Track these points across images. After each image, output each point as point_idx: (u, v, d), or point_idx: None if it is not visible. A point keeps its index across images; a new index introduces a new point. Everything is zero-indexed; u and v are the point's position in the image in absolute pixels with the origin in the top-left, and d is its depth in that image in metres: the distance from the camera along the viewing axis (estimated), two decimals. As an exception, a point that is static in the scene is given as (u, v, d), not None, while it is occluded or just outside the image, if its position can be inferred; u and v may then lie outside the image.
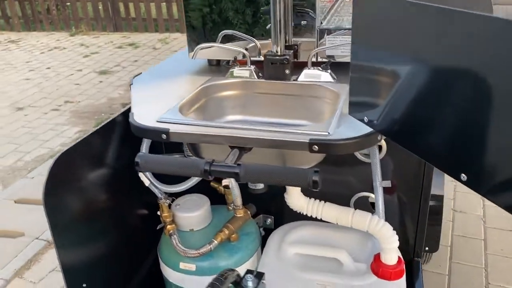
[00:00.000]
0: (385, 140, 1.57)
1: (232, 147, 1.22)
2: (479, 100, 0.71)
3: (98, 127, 1.43)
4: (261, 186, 1.64)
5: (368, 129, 1.12)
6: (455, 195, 3.53)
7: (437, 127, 0.82)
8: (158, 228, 1.70)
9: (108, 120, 1.48)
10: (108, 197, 1.51)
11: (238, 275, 1.10)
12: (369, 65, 0.99)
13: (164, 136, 1.24)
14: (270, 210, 1.83)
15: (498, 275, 2.70)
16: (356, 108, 1.12)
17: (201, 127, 1.24)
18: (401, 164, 1.62)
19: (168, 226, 1.57)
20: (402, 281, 1.45)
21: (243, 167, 1.11)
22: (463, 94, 0.74)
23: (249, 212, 1.64)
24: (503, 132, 0.68)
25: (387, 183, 1.56)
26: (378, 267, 1.44)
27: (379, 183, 1.55)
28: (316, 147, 1.14)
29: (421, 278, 1.61)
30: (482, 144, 0.73)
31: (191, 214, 1.60)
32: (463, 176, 0.82)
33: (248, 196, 1.72)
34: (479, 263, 2.80)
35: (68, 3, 8.36)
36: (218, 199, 1.74)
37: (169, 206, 1.62)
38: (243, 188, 1.68)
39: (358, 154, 1.63)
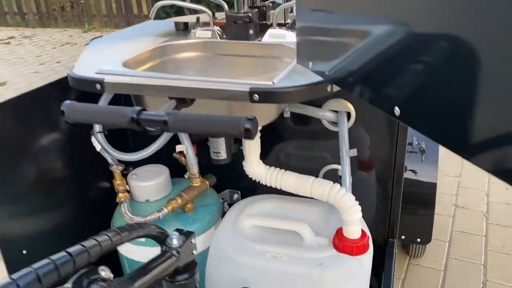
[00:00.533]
0: (354, 108, 1.45)
1: (170, 99, 1.13)
2: (410, 36, 0.68)
3: (47, 83, 1.35)
4: (223, 155, 1.54)
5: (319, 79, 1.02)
6: (458, 190, 3.38)
7: (374, 66, 0.79)
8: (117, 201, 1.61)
9: (59, 78, 1.39)
10: (61, 165, 1.44)
11: (164, 232, 0.99)
12: (315, 11, 0.90)
13: (98, 86, 1.15)
14: (237, 185, 1.73)
15: (497, 272, 2.54)
16: (302, 55, 1.02)
17: (139, 78, 1.15)
18: (372, 137, 1.49)
19: (120, 195, 1.48)
20: (366, 257, 1.32)
21: (172, 115, 1.01)
22: (395, 33, 0.71)
23: (207, 183, 1.53)
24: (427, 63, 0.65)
25: (354, 152, 1.44)
26: (339, 241, 1.32)
27: (346, 152, 1.43)
28: (256, 96, 1.04)
29: (393, 260, 1.48)
30: (412, 76, 0.69)
31: (145, 183, 1.51)
32: (397, 110, 0.73)
33: (214, 170, 1.62)
34: (478, 260, 2.65)
35: (82, 1, 8.44)
36: (181, 172, 1.64)
37: (125, 176, 1.53)
38: (206, 157, 1.59)
39: (325, 122, 1.51)
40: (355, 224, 1.31)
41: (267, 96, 1.03)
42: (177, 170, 1.61)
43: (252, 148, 1.38)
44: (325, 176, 1.60)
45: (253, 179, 1.43)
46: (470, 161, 0.60)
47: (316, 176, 1.54)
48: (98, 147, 1.48)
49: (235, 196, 1.73)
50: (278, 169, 1.40)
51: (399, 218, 1.57)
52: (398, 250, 2.58)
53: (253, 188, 1.68)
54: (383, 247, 1.58)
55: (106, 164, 1.51)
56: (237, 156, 1.60)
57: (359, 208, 1.31)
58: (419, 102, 0.68)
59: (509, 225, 2.95)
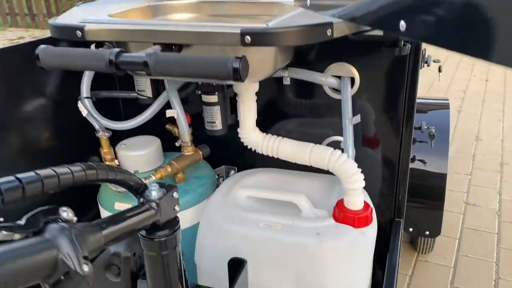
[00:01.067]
0: (359, 72, 1.35)
1: (155, 45, 1.03)
2: None
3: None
4: (218, 125, 1.44)
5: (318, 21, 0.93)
6: (468, 188, 3.25)
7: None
8: None
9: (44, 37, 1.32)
10: (47, 132, 1.35)
11: (143, 184, 0.90)
12: None
13: (79, 33, 1.07)
14: (235, 161, 1.62)
15: (511, 269, 2.41)
16: (300, -5, 0.92)
17: (122, 25, 1.06)
18: (377, 107, 1.39)
19: (107, 163, 1.38)
20: (369, 230, 1.21)
21: (153, 55, 0.91)
22: None
23: (200, 153, 1.43)
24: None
25: (357, 119, 1.33)
26: (340, 212, 1.21)
27: (349, 120, 1.32)
28: (248, 38, 0.94)
29: (399, 241, 1.36)
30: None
31: (134, 153, 1.41)
32: (402, 25, 0.64)
33: (209, 144, 1.52)
34: (490, 257, 2.52)
35: (91, 2, 8.44)
36: (176, 146, 1.55)
37: (114, 145, 1.44)
38: (201, 130, 1.49)
39: (327, 90, 1.41)
40: (357, 194, 1.20)
41: (260, 37, 0.93)
42: (172, 144, 1.51)
43: (247, 111, 1.28)
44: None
45: (252, 149, 1.33)
46: (485, 59, 0.50)
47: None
48: (84, 112, 1.39)
49: (232, 172, 1.62)
50: (275, 136, 1.30)
51: (406, 196, 1.46)
52: (406, 246, 2.46)
53: (251, 165, 1.58)
54: (389, 228, 1.47)
55: (94, 132, 1.42)
56: (234, 129, 1.50)
57: (362, 176, 1.20)
58: (424, 9, 0.59)
59: (522, 222, 2.82)
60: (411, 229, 2.23)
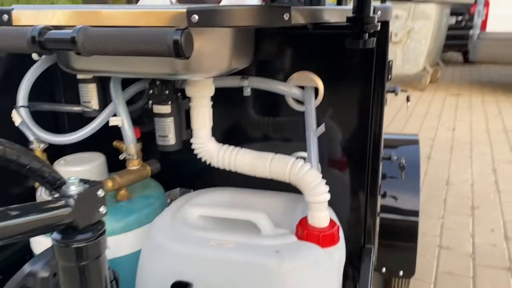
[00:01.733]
0: (323, 82, 1.25)
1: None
2: None
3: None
4: (171, 140, 1.30)
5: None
6: (441, 232, 3.17)
7: None
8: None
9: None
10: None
11: (61, 178, 0.74)
12: None
13: (5, 17, 0.94)
14: (191, 182, 1.46)
15: (487, 314, 2.28)
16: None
17: (53, 9, 0.94)
18: (342, 124, 1.28)
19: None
20: (337, 251, 1.06)
21: (82, 30, 0.79)
22: None
23: (148, 168, 1.28)
24: None
25: (321, 128, 1.22)
26: (303, 230, 1.06)
27: (313, 132, 1.21)
28: (195, 17, 0.83)
29: (370, 269, 1.21)
30: None
31: (73, 169, 1.25)
32: None
33: (162, 165, 1.37)
34: (466, 302, 2.39)
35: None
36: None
37: (50, 159, 1.27)
38: (152, 147, 1.35)
39: (290, 101, 1.30)
40: (321, 208, 1.06)
41: (209, 16, 0.82)
42: (121, 163, 1.36)
43: (201, 117, 1.15)
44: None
45: (211, 169, 1.18)
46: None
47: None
48: (17, 121, 1.23)
49: (186, 195, 1.46)
50: (233, 146, 1.17)
51: (376, 220, 1.33)
52: (379, 288, 2.31)
53: (210, 186, 1.42)
54: (359, 256, 1.32)
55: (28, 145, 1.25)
56: (190, 146, 1.36)
57: (326, 188, 1.07)
58: None
59: (498, 266, 2.72)
60: (384, 270, 2.09)
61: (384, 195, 2.10)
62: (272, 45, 1.27)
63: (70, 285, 0.73)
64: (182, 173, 1.46)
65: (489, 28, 6.44)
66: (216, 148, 1.17)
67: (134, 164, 1.24)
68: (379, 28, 0.95)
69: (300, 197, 1.26)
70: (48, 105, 1.40)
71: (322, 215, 1.06)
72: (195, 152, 1.19)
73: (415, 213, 2.12)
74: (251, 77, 1.27)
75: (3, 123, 1.27)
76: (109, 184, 1.16)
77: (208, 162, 1.19)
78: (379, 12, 1.04)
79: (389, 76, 1.28)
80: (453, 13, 8.22)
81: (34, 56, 1.33)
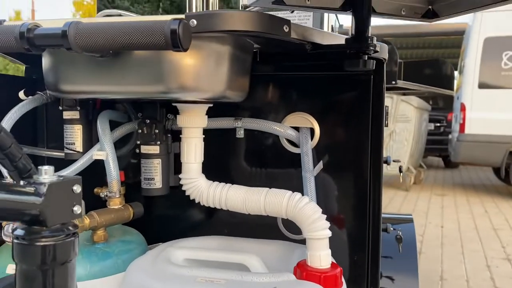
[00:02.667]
0: (319, 123, 1.22)
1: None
2: None
3: None
4: (158, 183, 1.22)
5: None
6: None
7: None
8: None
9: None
10: None
11: (32, 167, 0.64)
12: None
13: (-2, 26, 0.91)
14: (176, 235, 1.33)
15: None
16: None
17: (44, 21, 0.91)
18: (339, 167, 1.22)
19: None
20: (340, 296, 0.93)
21: (73, 24, 0.75)
22: None
23: (131, 209, 1.16)
24: None
25: (319, 166, 1.15)
26: (302, 272, 0.94)
27: (310, 173, 1.14)
28: (194, 22, 0.80)
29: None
30: None
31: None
32: None
33: (147, 216, 1.26)
34: None
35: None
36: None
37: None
38: (136, 188, 1.26)
39: (285, 143, 1.24)
40: (322, 246, 0.95)
41: (207, 20, 0.80)
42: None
43: (192, 149, 1.08)
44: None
45: (202, 221, 1.08)
46: None
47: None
48: (-7, 155, 1.14)
49: (169, 251, 1.32)
50: (223, 183, 1.09)
51: (379, 275, 1.20)
52: None
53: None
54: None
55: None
56: (177, 194, 1.27)
57: (327, 223, 0.97)
58: None
59: None
60: None
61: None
62: (266, 86, 1.25)
63: (28, 295, 0.60)
64: (167, 224, 1.34)
65: (467, 130, 6.70)
66: (206, 185, 1.08)
67: (116, 203, 1.13)
68: (378, 49, 0.94)
69: (296, 245, 1.15)
70: (29, 149, 1.33)
71: (323, 254, 0.95)
72: (183, 188, 1.10)
73: (414, 295, 1.97)
74: (244, 118, 1.22)
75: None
76: (86, 221, 1.04)
77: (197, 200, 1.09)
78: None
79: (386, 122, 1.25)
80: (431, 119, 8.62)
81: (21, 95, 1.29)
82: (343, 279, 0.98)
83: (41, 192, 0.60)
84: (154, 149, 1.22)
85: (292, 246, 1.12)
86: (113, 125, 1.27)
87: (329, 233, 0.97)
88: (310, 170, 1.14)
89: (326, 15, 1.67)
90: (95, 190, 1.29)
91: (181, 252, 1.04)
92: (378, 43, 1.06)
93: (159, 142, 1.22)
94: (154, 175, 1.22)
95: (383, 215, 2.35)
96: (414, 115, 6.71)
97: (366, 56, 0.93)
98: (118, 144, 1.29)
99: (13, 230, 0.61)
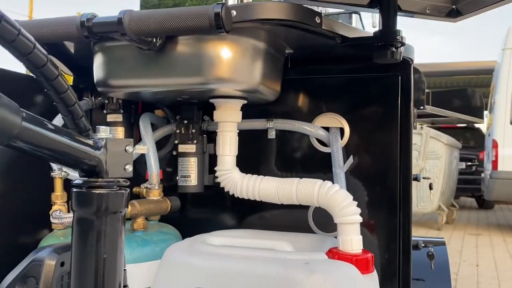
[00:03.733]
0: (349, 124, 1.27)
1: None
2: None
3: None
4: (193, 181, 1.28)
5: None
6: None
7: None
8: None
9: None
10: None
11: (89, 126, 0.71)
12: None
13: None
14: (208, 231, 1.38)
15: None
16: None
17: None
18: (368, 164, 1.25)
19: (54, 207, 1.16)
20: (372, 279, 0.95)
21: (127, 12, 0.85)
22: None
23: (169, 202, 1.22)
24: None
25: (349, 161, 1.18)
26: (333, 255, 0.96)
27: (340, 168, 1.18)
28: (233, 12, 0.89)
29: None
30: None
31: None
32: None
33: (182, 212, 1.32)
34: None
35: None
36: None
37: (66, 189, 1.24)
38: (172, 189, 1.32)
39: (315, 142, 1.29)
40: (353, 231, 0.98)
41: (245, 11, 0.88)
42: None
43: (227, 143, 1.15)
44: (318, 209, 1.28)
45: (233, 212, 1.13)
46: None
47: (307, 209, 1.25)
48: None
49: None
50: (255, 175, 1.14)
51: (411, 276, 1.20)
52: None
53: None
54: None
55: (48, 172, 1.23)
56: (211, 194, 1.33)
57: (358, 210, 1.00)
58: None
59: None
60: None
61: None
62: (297, 89, 1.32)
63: (84, 237, 0.66)
64: (199, 224, 1.39)
65: (500, 167, 6.56)
66: (240, 176, 1.13)
67: (155, 195, 1.20)
68: (405, 41, 1.00)
69: (327, 237, 1.17)
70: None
71: (354, 239, 0.98)
72: (218, 180, 1.16)
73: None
74: (276, 119, 1.29)
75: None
76: (128, 209, 1.10)
77: (231, 192, 1.15)
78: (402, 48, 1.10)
79: (414, 125, 1.29)
80: (463, 158, 8.47)
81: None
82: (372, 261, 0.99)
83: (99, 145, 0.67)
84: (191, 147, 1.29)
85: (323, 238, 1.15)
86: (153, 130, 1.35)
87: (360, 219, 1.00)
88: (340, 166, 1.18)
89: (353, 20, 1.75)
90: (134, 189, 1.35)
91: (216, 239, 1.08)
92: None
93: (195, 141, 1.29)
94: (190, 173, 1.29)
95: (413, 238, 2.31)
96: (444, 152, 6.63)
97: (394, 47, 0.99)
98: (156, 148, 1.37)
99: (73, 181, 0.67)
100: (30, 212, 1.28)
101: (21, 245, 1.24)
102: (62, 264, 0.80)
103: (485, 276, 4.68)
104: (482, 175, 7.91)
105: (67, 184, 1.27)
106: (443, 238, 2.39)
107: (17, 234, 1.25)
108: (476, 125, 8.47)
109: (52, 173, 1.22)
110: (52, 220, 1.12)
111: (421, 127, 6.59)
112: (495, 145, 6.73)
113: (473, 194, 9.32)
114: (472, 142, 9.38)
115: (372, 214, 1.23)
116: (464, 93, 3.20)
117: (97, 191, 0.66)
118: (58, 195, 1.20)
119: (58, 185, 1.22)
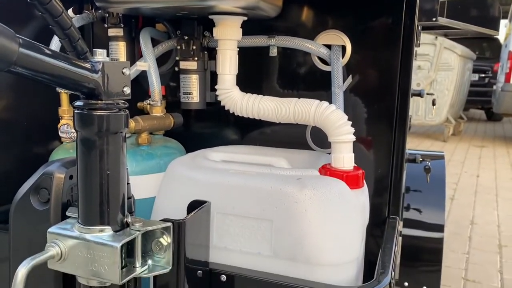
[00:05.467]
0: (351, 41, 1.25)
1: None
2: None
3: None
4: (195, 97, 1.31)
5: None
6: (467, 265, 3.02)
7: None
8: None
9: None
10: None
11: (87, 49, 0.73)
12: None
13: None
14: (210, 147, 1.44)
15: None
16: None
17: None
18: (368, 84, 1.26)
19: (62, 121, 1.21)
20: (362, 197, 1.01)
21: None
22: None
23: (171, 118, 1.27)
24: None
25: (348, 80, 1.20)
26: (325, 171, 1.02)
27: (339, 88, 1.20)
28: None
29: (395, 238, 1.14)
30: None
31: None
32: None
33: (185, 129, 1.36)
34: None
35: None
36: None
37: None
38: (175, 105, 1.35)
39: (316, 60, 1.29)
40: (346, 149, 1.03)
41: None
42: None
43: (227, 61, 1.16)
44: (315, 135, 1.33)
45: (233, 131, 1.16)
46: None
47: (306, 126, 1.29)
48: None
49: (205, 162, 1.43)
50: (256, 94, 1.16)
51: (402, 189, 1.27)
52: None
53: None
54: (382, 225, 1.26)
55: (53, 88, 1.26)
56: (213, 110, 1.36)
57: (352, 129, 1.04)
58: None
59: (531, 301, 2.55)
60: (406, 284, 1.98)
61: (407, 207, 2.03)
62: (299, 5, 1.29)
63: (88, 156, 0.71)
64: (202, 139, 1.45)
65: (513, 80, 6.46)
66: (240, 96, 1.16)
67: (158, 111, 1.24)
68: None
69: (322, 154, 1.22)
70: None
71: (346, 156, 1.03)
72: (219, 98, 1.19)
73: (440, 228, 2.03)
74: (278, 36, 1.28)
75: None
76: (132, 124, 1.15)
77: (231, 111, 1.18)
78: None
79: (418, 42, 1.28)
80: (476, 70, 8.29)
81: (70, 13, 1.38)
82: (363, 178, 1.05)
83: (97, 69, 0.69)
84: (192, 64, 1.30)
85: (318, 154, 1.20)
86: (154, 45, 1.35)
87: (353, 138, 1.04)
88: (339, 86, 1.20)
89: None
90: (138, 104, 1.39)
91: (217, 154, 1.14)
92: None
93: (196, 58, 1.30)
94: (192, 90, 1.31)
95: (412, 151, 2.37)
96: (458, 64, 6.50)
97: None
98: (158, 63, 1.38)
99: (75, 102, 0.71)
100: (41, 125, 1.34)
101: (33, 156, 1.32)
102: (71, 177, 0.86)
103: (483, 186, 4.84)
104: (494, 87, 7.81)
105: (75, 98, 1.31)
106: (443, 152, 2.45)
107: (29, 145, 1.32)
108: (494, 36, 8.19)
109: (57, 88, 1.26)
110: (60, 134, 1.18)
111: (436, 37, 6.38)
112: (510, 56, 6.57)
113: (483, 106, 9.28)
114: (488, 53, 9.13)
115: (369, 131, 1.27)
116: (482, 3, 3.07)
117: (97, 113, 0.69)
118: (65, 109, 1.25)
119: (64, 100, 1.26)
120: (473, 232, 3.59)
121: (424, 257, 2.02)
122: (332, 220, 0.91)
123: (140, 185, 1.15)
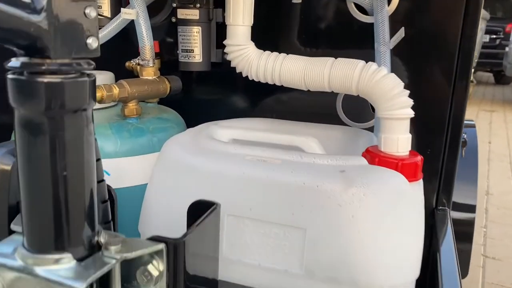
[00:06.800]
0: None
1: None
2: None
3: None
4: (197, 56, 1.03)
5: None
6: (485, 241, 2.84)
7: None
8: None
9: None
10: None
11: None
12: None
13: None
14: (216, 118, 1.18)
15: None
16: None
17: None
18: (419, 40, 0.98)
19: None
20: (421, 189, 0.76)
21: None
22: None
23: (167, 83, 0.99)
24: None
25: (400, 34, 0.93)
26: (373, 158, 0.76)
27: (385, 45, 0.92)
28: None
29: (447, 227, 0.91)
30: None
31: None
32: None
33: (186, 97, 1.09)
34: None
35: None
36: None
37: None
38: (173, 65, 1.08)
39: (353, 9, 1.01)
40: (402, 129, 0.76)
41: None
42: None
43: (239, 6, 0.87)
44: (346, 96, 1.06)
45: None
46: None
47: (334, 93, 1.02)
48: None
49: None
50: (275, 53, 0.88)
51: (455, 174, 1.02)
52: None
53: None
54: (431, 218, 1.02)
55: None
56: (220, 72, 1.09)
57: (410, 101, 0.77)
58: None
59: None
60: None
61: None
62: None
63: (32, 148, 0.45)
64: (206, 109, 1.18)
65: (527, 42, 6.14)
66: (257, 53, 0.88)
67: (149, 73, 0.96)
68: None
69: (362, 131, 0.96)
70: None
71: (402, 138, 0.76)
72: (229, 57, 0.91)
73: (472, 208, 1.82)
74: (305, -22, 0.99)
75: None
76: (115, 90, 0.88)
77: (244, 74, 0.90)
78: None
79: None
80: (487, 31, 7.92)
81: None
82: (421, 165, 0.79)
83: (38, 7, 0.42)
84: (193, 13, 1.02)
85: (355, 132, 0.94)
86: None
87: (411, 113, 0.77)
88: (385, 42, 0.92)
89: None
90: (127, 64, 1.11)
91: (225, 131, 0.87)
92: None
93: (198, 5, 1.01)
94: (193, 46, 1.03)
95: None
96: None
97: None
98: (151, 13, 1.09)
99: (6, 62, 0.44)
100: None
101: None
102: (22, 169, 0.60)
103: (496, 153, 4.64)
104: (506, 49, 7.46)
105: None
106: (472, 120, 2.21)
107: None
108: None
109: None
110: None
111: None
112: (526, 17, 6.22)
113: (492, 69, 8.94)
114: (500, 13, 8.71)
115: (417, 104, 1.00)
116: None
117: (45, 80, 0.42)
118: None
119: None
120: (489, 203, 3.41)
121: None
122: (389, 229, 0.66)
123: (128, 169, 0.89)
